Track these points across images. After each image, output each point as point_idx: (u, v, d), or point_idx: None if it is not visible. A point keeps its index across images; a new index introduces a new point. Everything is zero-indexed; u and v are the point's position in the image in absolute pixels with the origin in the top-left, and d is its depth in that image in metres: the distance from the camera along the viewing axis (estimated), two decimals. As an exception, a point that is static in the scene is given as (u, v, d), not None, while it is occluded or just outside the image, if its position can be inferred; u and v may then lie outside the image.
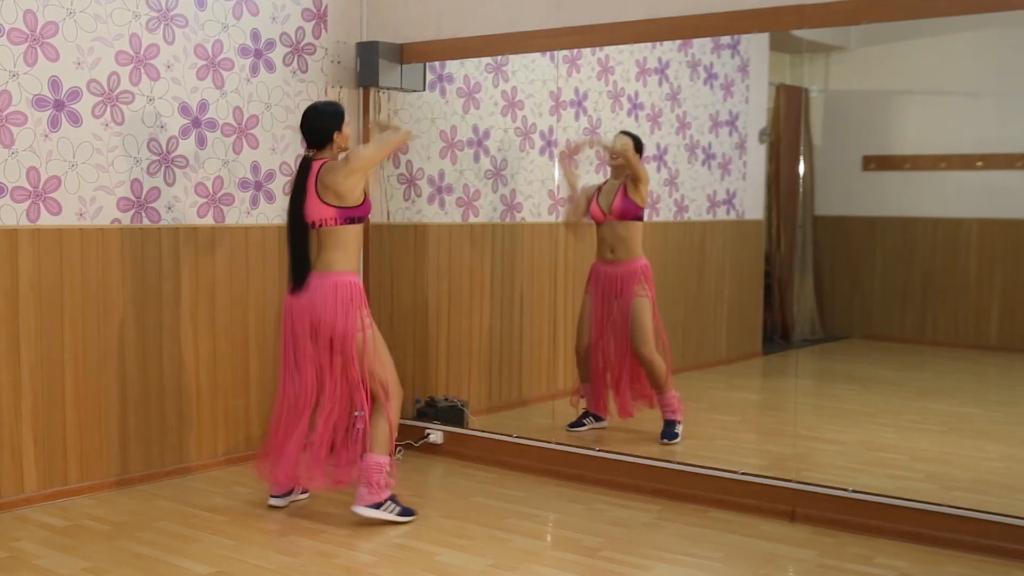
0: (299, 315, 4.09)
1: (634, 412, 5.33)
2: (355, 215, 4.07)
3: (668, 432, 5.14)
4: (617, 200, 5.20)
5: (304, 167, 4.10)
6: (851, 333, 7.12)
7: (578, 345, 5.39)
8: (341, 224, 4.04)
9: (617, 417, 5.36)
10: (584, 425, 5.34)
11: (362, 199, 4.09)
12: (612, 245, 5.25)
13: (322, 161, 4.09)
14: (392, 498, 4.10)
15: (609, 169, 5.36)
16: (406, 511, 4.13)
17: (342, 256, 4.07)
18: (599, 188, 5.35)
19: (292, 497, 4.35)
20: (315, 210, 4.04)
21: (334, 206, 4.02)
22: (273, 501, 4.30)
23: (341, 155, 4.12)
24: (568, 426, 5.33)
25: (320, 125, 4.09)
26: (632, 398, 5.34)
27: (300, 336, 4.09)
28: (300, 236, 4.09)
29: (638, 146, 5.30)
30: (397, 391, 4.18)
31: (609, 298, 5.28)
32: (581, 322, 5.39)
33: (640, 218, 5.24)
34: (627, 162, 5.20)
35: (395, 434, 4.13)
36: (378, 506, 4.05)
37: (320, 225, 4.04)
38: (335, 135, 4.09)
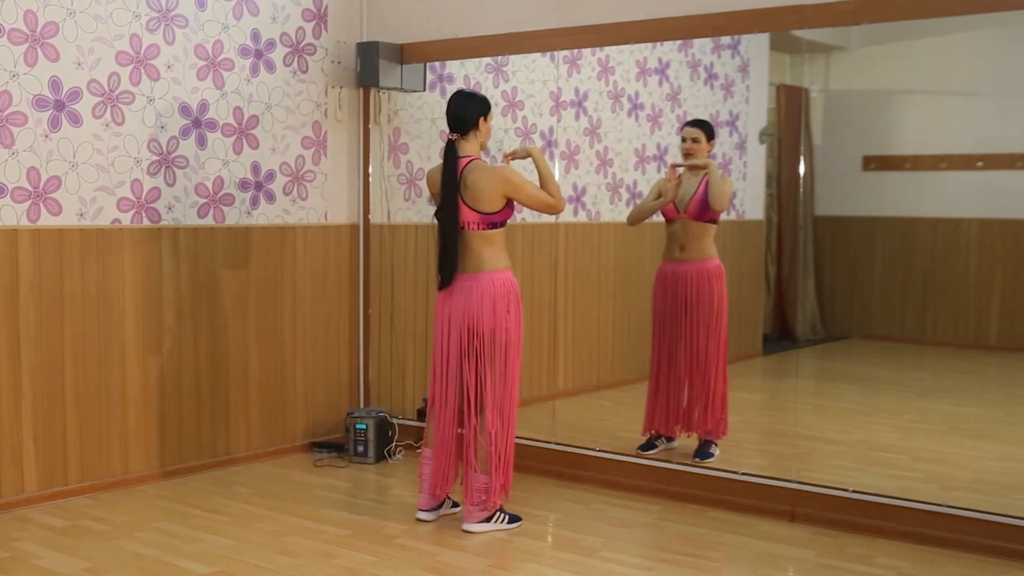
0: (452, 317, 4.03)
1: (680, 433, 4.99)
2: (496, 220, 4.00)
3: (704, 452, 4.84)
4: (696, 198, 4.81)
5: (452, 154, 3.99)
6: (851, 333, 7.12)
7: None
8: (484, 229, 3.99)
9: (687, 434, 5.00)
10: (656, 447, 4.90)
11: (502, 207, 4.00)
12: (682, 243, 4.87)
13: (469, 158, 4.00)
14: (500, 508, 4.07)
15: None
16: (514, 518, 4.10)
17: (493, 254, 4.01)
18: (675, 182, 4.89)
19: (443, 511, 4.22)
20: (461, 212, 3.98)
21: (475, 210, 3.96)
22: (422, 515, 4.16)
23: (494, 162, 3.93)
24: (639, 448, 4.91)
25: (462, 112, 4.00)
26: (693, 425, 4.92)
27: (449, 339, 4.03)
28: (452, 234, 4.00)
29: (710, 135, 4.89)
30: (510, 413, 4.04)
31: (677, 299, 4.90)
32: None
33: (714, 221, 4.85)
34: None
35: (504, 456, 4.01)
36: (488, 519, 4.04)
37: (464, 228, 4.01)
38: (480, 121, 4.02)
